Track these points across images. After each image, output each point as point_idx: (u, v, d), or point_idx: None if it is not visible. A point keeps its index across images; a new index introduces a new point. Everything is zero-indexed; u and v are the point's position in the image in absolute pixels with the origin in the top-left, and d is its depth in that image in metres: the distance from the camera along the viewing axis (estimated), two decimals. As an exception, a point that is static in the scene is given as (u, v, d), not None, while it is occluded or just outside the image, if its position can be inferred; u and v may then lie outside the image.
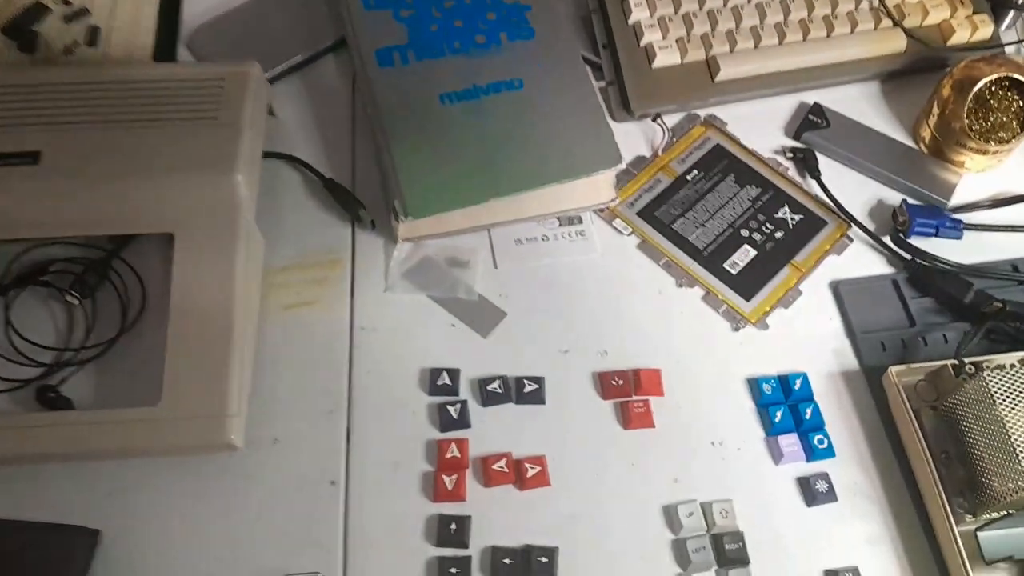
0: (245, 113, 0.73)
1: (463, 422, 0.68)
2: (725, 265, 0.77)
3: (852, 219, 0.79)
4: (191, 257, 0.69)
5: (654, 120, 0.83)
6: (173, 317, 0.67)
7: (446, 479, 0.66)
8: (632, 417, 0.69)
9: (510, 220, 0.78)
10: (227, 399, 0.64)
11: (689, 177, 0.82)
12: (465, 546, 0.63)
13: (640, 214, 0.79)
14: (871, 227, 0.79)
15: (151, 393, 0.64)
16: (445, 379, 0.70)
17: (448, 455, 0.67)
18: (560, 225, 0.79)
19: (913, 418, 0.65)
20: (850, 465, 0.68)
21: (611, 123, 0.78)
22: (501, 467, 0.66)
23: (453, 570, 0.62)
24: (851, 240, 0.79)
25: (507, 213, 0.77)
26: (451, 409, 0.69)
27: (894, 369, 0.67)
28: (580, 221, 0.79)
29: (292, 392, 0.70)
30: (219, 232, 0.70)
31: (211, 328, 0.67)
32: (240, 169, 0.71)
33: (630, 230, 0.79)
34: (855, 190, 0.82)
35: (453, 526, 0.64)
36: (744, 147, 0.84)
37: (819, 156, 0.83)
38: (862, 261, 0.78)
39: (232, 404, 0.64)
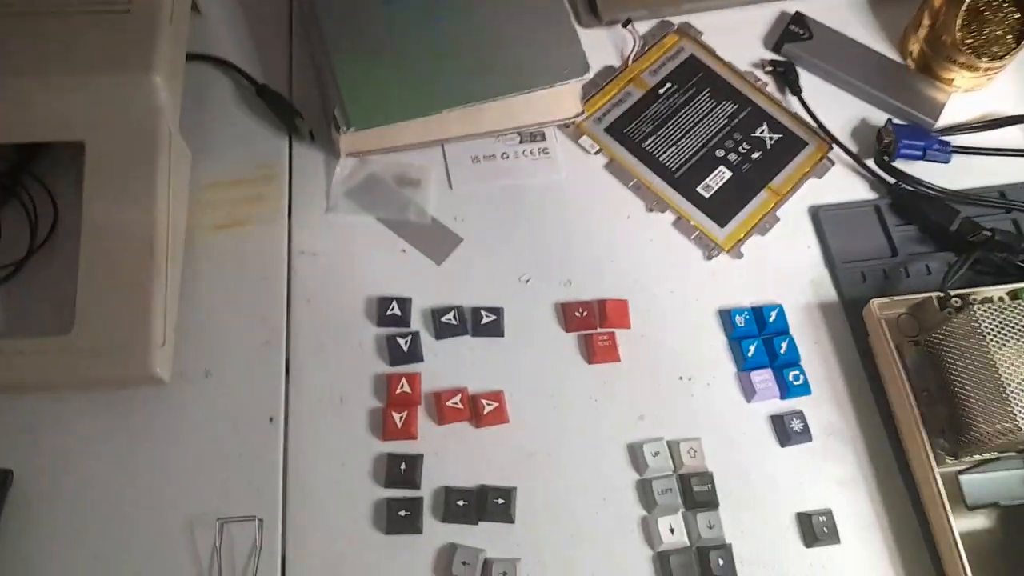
0: (163, 5, 0.64)
1: (414, 355, 0.63)
2: (698, 188, 0.71)
3: (834, 139, 0.74)
4: (105, 169, 0.61)
5: (624, 26, 0.76)
6: (86, 236, 0.60)
7: (396, 416, 0.60)
8: (596, 351, 0.64)
9: (466, 135, 0.71)
10: (150, 327, 0.58)
11: (661, 91, 0.75)
12: (416, 487, 0.59)
13: (608, 131, 0.73)
14: (854, 148, 0.74)
15: (64, 321, 0.58)
16: (395, 309, 0.64)
17: (398, 390, 0.61)
18: (521, 142, 0.72)
19: (894, 353, 0.61)
20: (826, 403, 0.64)
21: (577, 28, 0.71)
22: (455, 403, 0.61)
23: (403, 512, 0.57)
24: (832, 163, 0.74)
25: (462, 127, 0.70)
26: (401, 341, 0.63)
27: (876, 302, 0.63)
28: (543, 138, 0.72)
29: (224, 321, 0.63)
30: (136, 141, 0.62)
31: (130, 249, 0.60)
32: (158, 69, 0.62)
33: (597, 148, 0.72)
34: (838, 108, 0.77)
35: (403, 466, 0.59)
36: (720, 59, 0.77)
37: (800, 70, 0.77)
38: (843, 185, 0.73)
39: (156, 333, 0.58)
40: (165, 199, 0.62)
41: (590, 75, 0.69)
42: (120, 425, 0.59)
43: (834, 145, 0.74)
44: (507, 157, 0.71)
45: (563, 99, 0.71)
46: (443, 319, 0.64)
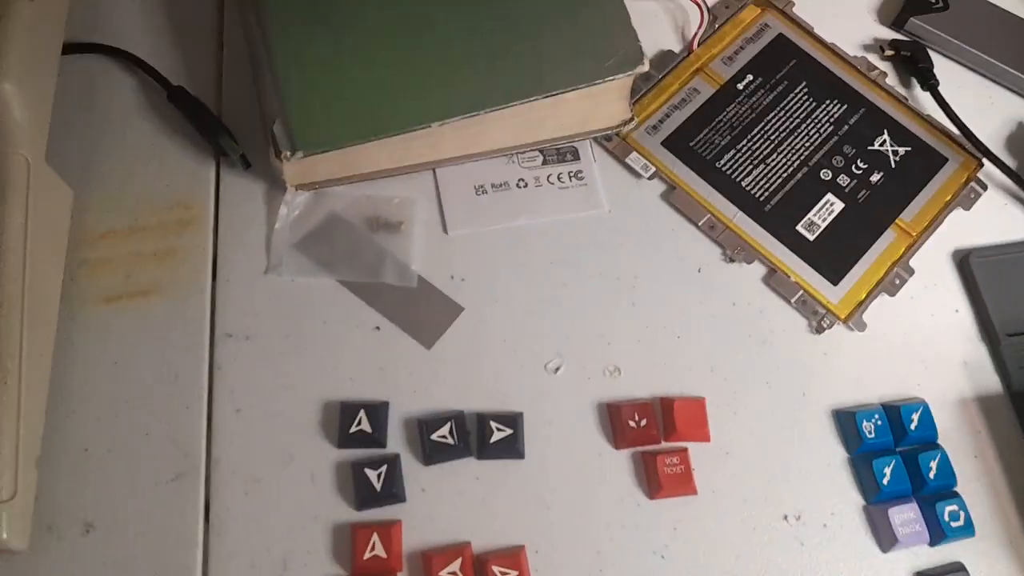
0: (10, -27, 0.43)
1: (392, 494, 0.42)
2: (799, 227, 0.50)
3: (986, 152, 0.52)
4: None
5: (688, -4, 0.55)
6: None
7: (364, 593, 0.40)
8: (663, 480, 0.43)
9: (466, 155, 0.50)
10: (-11, 472, 0.38)
11: (740, 86, 0.54)
12: None
13: (667, 144, 0.52)
14: (1013, 164, 0.53)
15: None
16: (363, 423, 0.43)
17: (367, 553, 0.41)
18: (545, 163, 0.51)
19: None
20: (998, 551, 0.44)
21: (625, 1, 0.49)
22: (453, 573, 0.41)
23: None
24: (984, 187, 0.53)
25: (461, 145, 0.49)
26: (372, 474, 0.42)
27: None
28: (575, 156, 0.51)
29: (115, 446, 0.43)
30: (-26, 180, 0.42)
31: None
32: (8, 72, 0.42)
33: (652, 170, 0.51)
34: (989, 108, 0.55)
35: (376, 674, 0.39)
36: (820, 40, 0.56)
37: (933, 55, 0.56)
38: (1002, 219, 0.52)
39: (1, 482, 0.38)
40: (18, 265, 0.41)
41: (644, 67, 0.47)
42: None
43: (986, 161, 0.53)
44: (525, 185, 0.50)
45: (605, 101, 0.49)
46: (435, 436, 0.43)
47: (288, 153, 0.44)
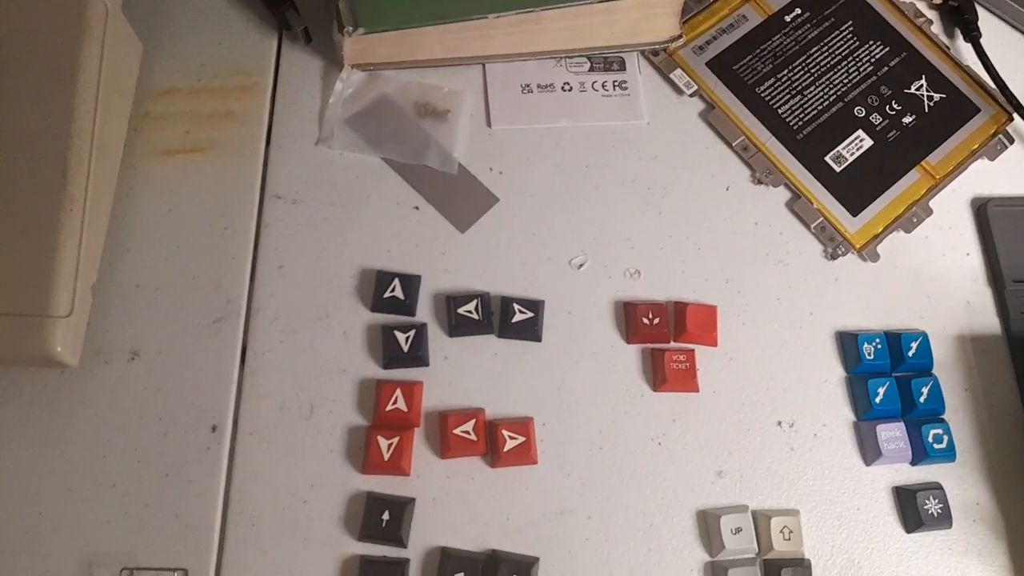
0: None
1: (417, 357, 0.46)
2: (827, 158, 0.52)
3: (1018, 107, 0.54)
4: (10, 60, 0.44)
5: (748, -76, 0.56)
6: (-24, 152, 0.43)
7: (383, 441, 0.43)
8: (668, 374, 0.46)
9: (516, 54, 0.52)
10: (51, 287, 0.41)
11: (788, 18, 0.55)
12: (402, 544, 0.42)
13: (711, 66, 0.53)
14: (1043, 123, 0.54)
15: (-63, 269, 0.41)
16: (397, 290, 0.46)
17: (390, 405, 0.44)
18: (591, 70, 0.53)
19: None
20: (975, 476, 0.47)
21: (688, -83, 0.51)
22: (466, 431, 0.44)
23: (380, 578, 0.41)
24: (1011, 140, 0.54)
25: (513, 42, 0.51)
26: (401, 336, 0.46)
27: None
28: (621, 67, 0.53)
29: (164, 285, 0.46)
30: (57, 22, 0.45)
31: (33, 173, 0.42)
32: (93, -80, 0.44)
33: (694, 88, 0.53)
34: (1026, 65, 0.56)
35: (387, 513, 0.42)
36: (871, -18, 0.57)
37: (979, 9, 0.57)
38: (1023, 173, 0.54)
39: (59, 296, 0.41)
40: (91, 103, 0.44)
41: (698, -15, 0.49)
42: (6, 419, 0.43)
43: (1016, 116, 0.54)
44: (570, 89, 0.52)
45: (656, 14, 0.51)
46: (461, 310, 0.46)
47: (351, 29, 0.46)
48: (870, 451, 0.46)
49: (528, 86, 0.52)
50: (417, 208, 0.49)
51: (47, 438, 0.43)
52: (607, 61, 0.53)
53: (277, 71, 0.51)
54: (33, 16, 0.44)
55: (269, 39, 0.52)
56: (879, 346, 0.48)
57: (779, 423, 0.47)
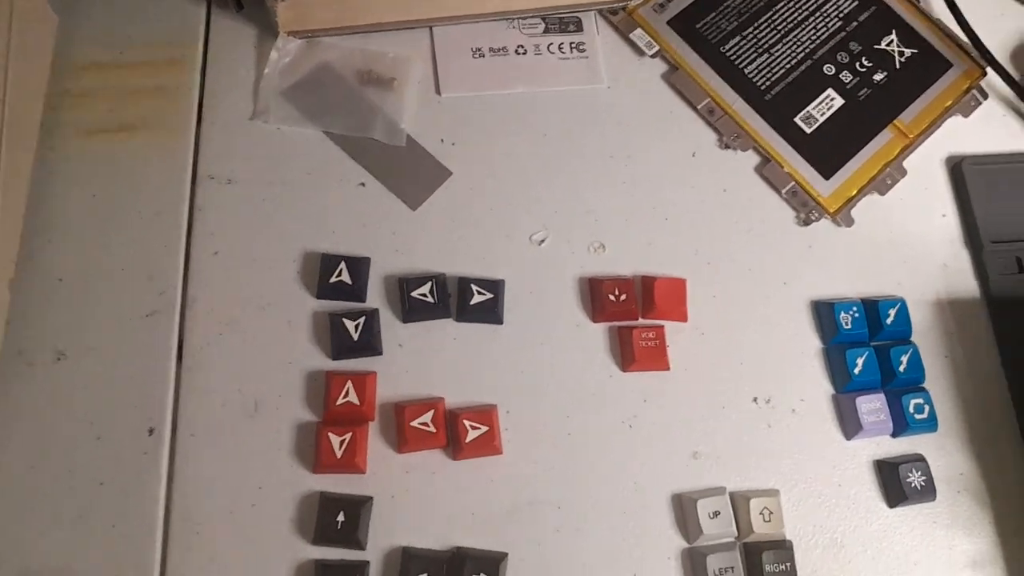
0: None
1: (369, 346, 0.42)
2: (797, 119, 0.49)
3: (991, 62, 0.52)
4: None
5: None
6: None
7: (335, 438, 0.40)
8: (637, 353, 0.44)
9: (466, 15, 0.48)
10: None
11: (752, -28, 0.52)
12: (360, 546, 0.40)
13: (673, 24, 0.50)
14: (1016, 76, 0.52)
15: None
16: (344, 274, 0.43)
17: (341, 399, 0.41)
18: (546, 31, 0.49)
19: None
20: (958, 446, 0.45)
21: None
22: (424, 423, 0.41)
23: (338, 583, 0.39)
24: (985, 96, 0.52)
25: (461, 2, 0.47)
26: (350, 324, 0.42)
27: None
28: (578, 27, 0.50)
29: (90, 278, 0.42)
30: (-49, -9, 0.40)
31: (-62, 162, 0.38)
32: None
33: (656, 48, 0.50)
34: (997, 19, 0.54)
35: (342, 514, 0.40)
36: (837, -67, 0.54)
37: (950, -43, 0.54)
38: (999, 130, 0.52)
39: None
40: (-4, 84, 0.40)
41: (657, -63, 0.46)
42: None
43: (990, 70, 0.52)
44: (524, 52, 0.49)
45: (613, -28, 0.48)
46: (415, 293, 0.43)
47: (282, -8, 0.43)
48: (850, 425, 0.44)
49: (479, 50, 0.48)
50: (363, 185, 0.46)
51: (-36, 450, 0.39)
52: (563, 21, 0.49)
53: (207, 42, 0.47)
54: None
55: (197, 7, 0.48)
56: (856, 315, 0.46)
57: (755, 399, 0.45)
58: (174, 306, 0.42)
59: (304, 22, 0.46)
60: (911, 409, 0.45)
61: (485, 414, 0.42)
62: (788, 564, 0.41)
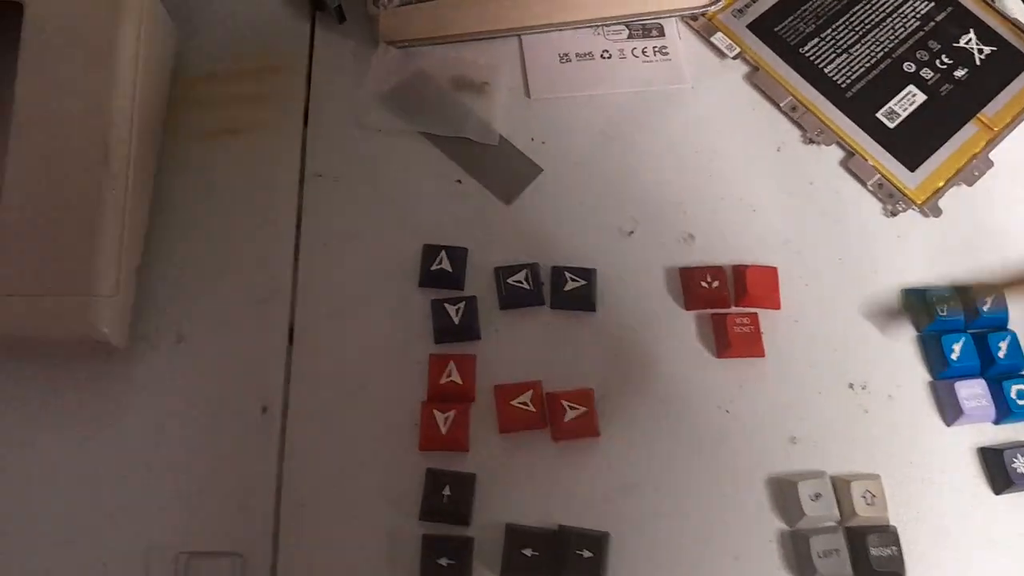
0: None
1: (469, 330, 0.44)
2: (879, 115, 0.50)
3: (1074, 56, 0.52)
4: (47, 43, 0.43)
5: None
6: (16, 134, 0.43)
7: (439, 416, 0.42)
8: (731, 340, 0.44)
9: (553, 24, 0.51)
10: (96, 266, 0.40)
11: (829, -22, 0.54)
12: (464, 522, 0.40)
13: (753, 28, 0.52)
14: (1101, 71, 0.52)
15: (-23, 253, 0.40)
16: (444, 263, 0.45)
17: (444, 379, 0.43)
18: (630, 36, 0.51)
19: None
20: (1063, 432, 0.44)
21: None
22: (524, 403, 0.42)
23: (444, 560, 0.39)
24: (1070, 88, 0.52)
25: (549, 11, 0.50)
26: (451, 309, 0.44)
27: None
28: (661, 32, 0.52)
29: (208, 267, 0.45)
30: (93, 4, 0.44)
31: (76, 154, 0.42)
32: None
33: (737, 51, 0.52)
34: (1079, 13, 0.55)
35: (447, 490, 0.40)
36: (910, -60, 0.56)
37: (1024, -40, 0.55)
38: (1086, 121, 0.52)
39: (104, 275, 0.40)
40: (129, 86, 0.43)
41: (738, -57, 0.48)
42: (53, 404, 0.42)
43: (1073, 64, 0.52)
44: (609, 56, 0.51)
45: (695, -22, 0.50)
46: (511, 280, 0.45)
47: (386, 2, 0.46)
48: (950, 411, 0.44)
49: (566, 55, 0.51)
50: (459, 182, 0.48)
51: (98, 426, 0.41)
52: (645, 27, 0.51)
53: (312, 51, 0.50)
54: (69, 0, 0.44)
55: (303, 20, 0.51)
56: (951, 302, 0.46)
57: (850, 385, 0.45)
58: (286, 293, 0.44)
59: (402, 32, 0.49)
60: (1013, 394, 0.44)
61: (583, 396, 0.43)
62: (894, 548, 0.41)
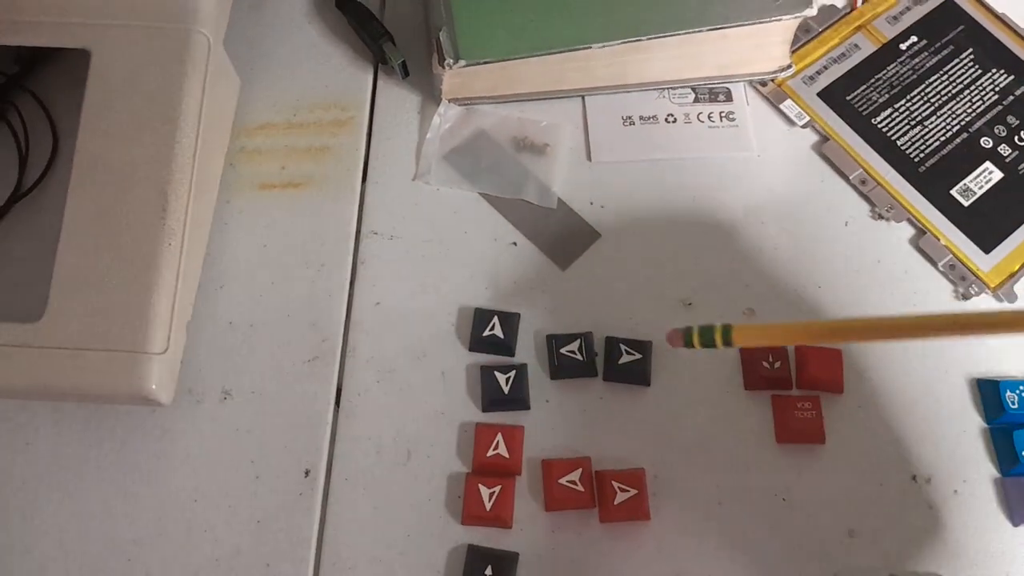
0: None
1: (518, 400, 0.43)
2: (953, 192, 0.48)
3: None
4: (113, 89, 0.44)
5: (857, -49, 0.53)
6: (76, 182, 0.42)
7: (484, 490, 0.41)
8: (792, 424, 0.42)
9: (618, 85, 0.50)
10: (148, 324, 0.40)
11: (904, 46, 0.52)
12: (505, 602, 0.39)
13: (823, 96, 0.51)
14: None
15: (34, 303, 0.40)
16: (496, 328, 0.44)
17: (491, 451, 0.42)
18: (696, 100, 0.50)
19: None
20: None
21: (798, -57, 0.48)
22: (572, 482, 0.41)
23: (482, 641, 0.38)
24: None
25: (614, 73, 0.49)
26: (501, 378, 0.43)
27: None
28: (728, 97, 0.50)
29: (258, 323, 0.45)
30: (160, 55, 0.44)
31: (135, 204, 0.42)
32: (199, -45, 0.44)
33: (806, 119, 0.50)
34: None
35: (490, 569, 0.39)
36: (989, 8, 0.54)
37: (1112, 33, 0.53)
38: None
39: (156, 333, 0.40)
40: (192, 139, 0.43)
41: (812, 10, 0.46)
42: (95, 457, 0.42)
43: None
44: (674, 120, 0.50)
45: (766, 43, 0.49)
46: (564, 350, 0.44)
47: (451, 61, 0.45)
48: (1018, 510, 0.42)
49: (630, 118, 0.50)
50: (515, 244, 0.47)
51: (138, 479, 0.41)
52: (712, 92, 0.50)
53: (373, 106, 0.50)
54: (136, 49, 0.44)
55: (365, 73, 0.51)
56: (1022, 394, 0.44)
57: (914, 478, 0.43)
58: (335, 353, 0.44)
59: (465, 90, 0.49)
60: (1088, 498, 0.42)
61: (634, 476, 0.41)
62: (956, 658, 0.39)
